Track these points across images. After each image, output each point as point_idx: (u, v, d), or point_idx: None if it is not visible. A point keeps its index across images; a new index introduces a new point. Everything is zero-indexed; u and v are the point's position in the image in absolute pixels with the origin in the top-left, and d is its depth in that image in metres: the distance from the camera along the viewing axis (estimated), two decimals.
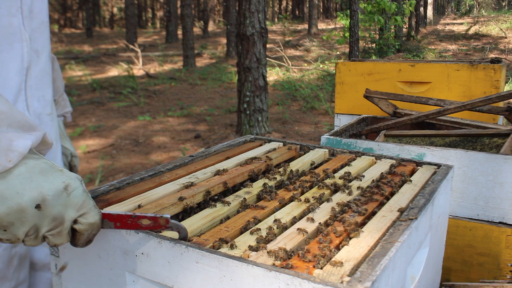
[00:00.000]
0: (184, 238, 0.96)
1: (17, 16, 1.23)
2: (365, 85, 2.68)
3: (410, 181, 1.33)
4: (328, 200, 1.20)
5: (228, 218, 1.14)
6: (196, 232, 1.04)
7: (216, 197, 1.29)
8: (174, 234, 0.99)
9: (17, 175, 0.80)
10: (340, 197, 1.22)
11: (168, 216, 0.94)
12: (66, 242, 0.88)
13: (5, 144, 0.79)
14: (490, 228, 1.73)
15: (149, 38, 25.35)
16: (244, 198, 1.21)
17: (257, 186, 1.31)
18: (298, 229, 1.01)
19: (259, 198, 1.25)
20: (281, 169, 1.45)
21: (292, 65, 12.91)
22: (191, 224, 1.06)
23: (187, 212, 1.20)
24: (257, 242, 0.96)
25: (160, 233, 0.96)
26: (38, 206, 0.81)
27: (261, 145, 1.72)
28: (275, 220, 1.07)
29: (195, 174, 1.38)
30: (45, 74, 1.39)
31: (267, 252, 0.90)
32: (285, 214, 1.11)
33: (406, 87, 2.69)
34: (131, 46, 15.49)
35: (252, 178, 1.42)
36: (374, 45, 13.04)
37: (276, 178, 1.37)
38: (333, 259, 0.88)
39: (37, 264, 1.47)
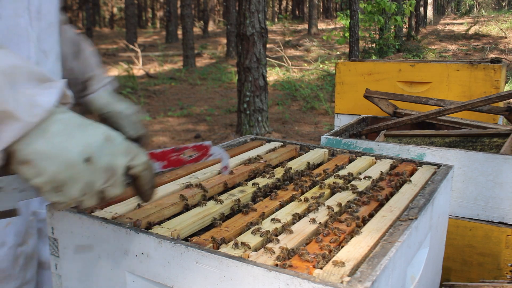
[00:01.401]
0: (226, 166, 1.06)
1: (23, 17, 1.23)
2: (365, 85, 2.68)
3: (410, 181, 1.33)
4: (328, 200, 1.20)
5: (222, 216, 1.14)
6: (185, 230, 1.04)
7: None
8: (178, 229, 0.99)
9: (56, 133, 0.79)
10: (340, 197, 1.22)
11: (210, 143, 0.97)
12: (122, 191, 0.87)
13: (26, 99, 0.76)
14: (490, 228, 1.73)
15: (149, 38, 25.35)
16: (238, 199, 1.21)
17: (255, 185, 1.31)
18: (286, 229, 1.01)
19: (254, 197, 1.25)
20: (280, 169, 1.45)
21: (292, 65, 12.92)
22: (181, 222, 1.05)
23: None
24: (257, 242, 0.96)
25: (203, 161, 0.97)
26: (87, 160, 0.80)
27: (261, 145, 1.72)
28: (275, 220, 1.06)
29: (195, 174, 1.38)
30: (53, 75, 1.39)
31: (267, 252, 0.90)
32: (285, 214, 1.11)
33: (406, 87, 2.69)
34: (131, 46, 15.50)
35: (252, 178, 1.42)
36: (374, 45, 13.05)
37: (274, 177, 1.37)
38: (333, 259, 0.88)
39: (46, 263, 1.48)
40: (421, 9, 22.41)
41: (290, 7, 43.92)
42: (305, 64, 13.74)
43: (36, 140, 0.77)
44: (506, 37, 17.58)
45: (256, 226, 1.03)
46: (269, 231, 1.00)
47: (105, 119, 1.54)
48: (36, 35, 1.27)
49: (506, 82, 8.76)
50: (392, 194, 1.25)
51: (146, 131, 1.61)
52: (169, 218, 1.10)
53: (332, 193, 1.28)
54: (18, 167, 0.77)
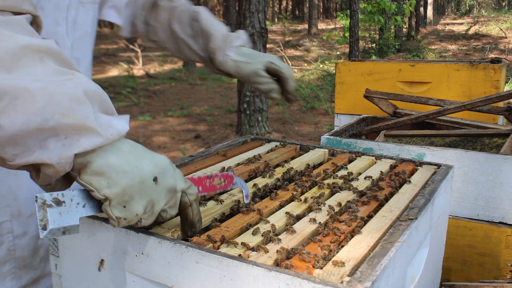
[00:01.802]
0: (247, 195, 1.18)
1: (62, 26, 1.34)
2: (365, 85, 2.68)
3: (410, 181, 1.33)
4: (328, 200, 1.20)
5: (222, 216, 1.14)
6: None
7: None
8: (178, 229, 1.00)
9: (128, 152, 0.85)
10: (340, 197, 1.22)
11: (232, 173, 1.14)
12: (176, 214, 0.95)
13: (105, 121, 0.83)
14: (490, 228, 1.73)
15: None
16: (238, 199, 1.21)
17: (255, 185, 1.31)
18: (287, 229, 1.01)
19: (254, 197, 1.25)
20: (280, 169, 1.45)
21: (292, 65, 12.91)
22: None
23: None
24: (257, 242, 0.96)
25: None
26: (155, 179, 0.86)
27: (261, 145, 1.72)
28: (265, 221, 1.06)
29: (195, 175, 1.38)
30: None
31: (267, 252, 0.90)
32: (285, 214, 1.11)
33: (406, 87, 2.69)
34: (131, 46, 15.48)
35: (252, 178, 1.42)
36: (374, 45, 13.06)
37: (274, 177, 1.37)
38: (333, 259, 0.88)
39: None
40: (421, 9, 22.43)
41: (290, 7, 43.91)
42: (305, 64, 13.74)
43: (111, 155, 0.83)
44: (506, 37, 17.58)
45: (256, 226, 1.03)
46: (270, 231, 1.00)
47: (247, 81, 1.59)
48: (70, 43, 1.39)
49: (506, 82, 8.76)
50: (392, 194, 1.25)
51: (292, 83, 1.62)
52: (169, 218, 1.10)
53: (332, 193, 1.28)
54: (90, 177, 0.81)
